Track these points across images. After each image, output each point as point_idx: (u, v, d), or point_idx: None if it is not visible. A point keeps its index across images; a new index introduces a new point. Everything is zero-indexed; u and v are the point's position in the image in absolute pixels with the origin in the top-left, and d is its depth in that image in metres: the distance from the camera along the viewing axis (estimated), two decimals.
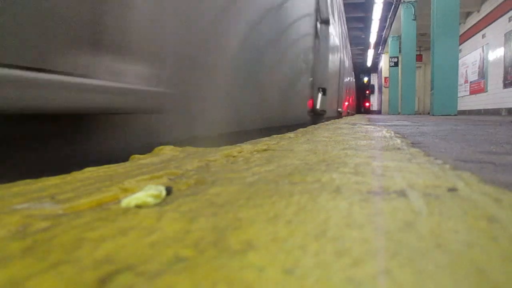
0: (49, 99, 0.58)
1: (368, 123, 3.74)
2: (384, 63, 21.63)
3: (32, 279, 0.26)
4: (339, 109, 7.79)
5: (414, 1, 13.75)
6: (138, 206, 0.45)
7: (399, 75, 16.88)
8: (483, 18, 12.08)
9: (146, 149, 0.95)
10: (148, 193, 0.48)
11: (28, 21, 0.58)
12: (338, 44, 6.92)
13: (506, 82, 10.31)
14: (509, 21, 10.16)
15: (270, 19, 2.01)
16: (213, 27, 1.30)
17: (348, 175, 0.67)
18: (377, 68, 26.84)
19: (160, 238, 0.34)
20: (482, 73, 12.18)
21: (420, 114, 16.72)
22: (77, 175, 0.63)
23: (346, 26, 10.98)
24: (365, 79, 32.61)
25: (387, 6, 15.40)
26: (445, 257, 0.30)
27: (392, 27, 17.04)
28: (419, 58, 17.78)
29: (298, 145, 1.24)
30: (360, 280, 0.26)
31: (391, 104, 18.41)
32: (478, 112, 12.37)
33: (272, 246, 0.32)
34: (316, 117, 4.04)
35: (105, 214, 0.41)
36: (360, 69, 29.86)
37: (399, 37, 16.96)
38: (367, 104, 33.28)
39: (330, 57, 4.91)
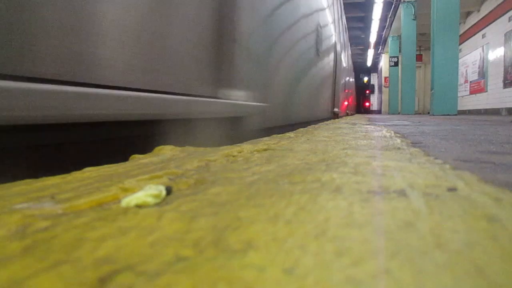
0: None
1: (368, 123, 3.74)
2: (384, 63, 21.63)
3: (32, 279, 0.26)
4: (335, 109, 6.68)
5: (414, 1, 13.75)
6: (138, 206, 0.45)
7: (399, 75, 16.88)
8: (483, 17, 12.08)
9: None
10: (148, 193, 0.48)
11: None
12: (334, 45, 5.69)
13: (506, 82, 10.31)
14: (509, 20, 10.16)
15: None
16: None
17: (348, 174, 0.67)
18: (377, 68, 26.84)
19: (160, 238, 0.34)
20: (482, 73, 12.18)
21: (420, 114, 16.72)
22: (77, 175, 0.63)
23: (346, 25, 10.86)
24: (365, 79, 32.60)
25: (387, 6, 15.40)
26: (445, 257, 0.30)
27: (392, 27, 17.03)
28: (419, 58, 17.77)
29: (298, 145, 1.24)
30: (360, 280, 0.26)
31: (391, 104, 18.41)
32: (478, 112, 12.37)
33: (272, 245, 0.32)
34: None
35: (105, 214, 0.41)
36: (360, 69, 29.84)
37: (399, 37, 16.96)
38: (367, 104, 33.27)
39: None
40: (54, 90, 0.67)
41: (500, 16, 10.69)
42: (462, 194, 0.52)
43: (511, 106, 9.98)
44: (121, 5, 0.91)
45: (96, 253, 0.30)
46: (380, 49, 22.45)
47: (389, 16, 16.09)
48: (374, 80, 29.97)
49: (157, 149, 0.97)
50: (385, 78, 21.20)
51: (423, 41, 17.34)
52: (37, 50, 0.70)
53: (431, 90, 9.91)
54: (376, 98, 28.21)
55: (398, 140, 1.46)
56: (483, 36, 12.09)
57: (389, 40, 18.76)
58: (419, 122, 4.07)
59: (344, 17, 9.73)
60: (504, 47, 10.40)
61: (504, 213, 0.42)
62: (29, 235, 0.34)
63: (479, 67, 12.50)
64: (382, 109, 22.47)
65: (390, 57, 18.90)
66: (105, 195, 0.48)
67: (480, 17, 12.31)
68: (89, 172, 0.66)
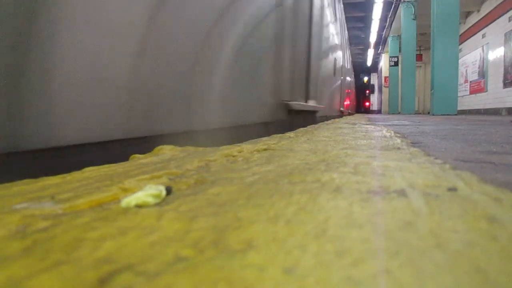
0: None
1: (368, 123, 3.74)
2: (384, 62, 21.63)
3: (32, 279, 0.26)
4: (341, 109, 7.70)
5: (414, 1, 13.74)
6: (138, 206, 0.45)
7: (399, 74, 16.87)
8: (483, 17, 12.07)
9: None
10: (148, 193, 0.48)
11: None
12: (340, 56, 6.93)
13: (506, 81, 10.31)
14: (509, 20, 10.16)
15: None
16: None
17: (348, 174, 0.67)
18: (377, 68, 26.83)
19: (160, 238, 0.34)
20: (482, 73, 12.17)
21: (420, 113, 16.72)
22: (77, 175, 0.63)
23: (346, 27, 10.93)
24: (365, 79, 32.62)
25: (387, 6, 15.39)
26: (445, 257, 0.30)
27: (392, 26, 17.03)
28: (419, 57, 17.77)
29: (298, 145, 1.24)
30: (360, 280, 0.26)
31: (391, 104, 18.40)
32: (478, 112, 12.36)
33: (272, 245, 0.32)
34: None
35: (105, 214, 0.41)
36: (360, 69, 29.84)
37: (399, 36, 16.95)
38: (367, 103, 33.30)
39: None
40: None
41: (500, 16, 10.68)
42: (462, 194, 0.52)
43: (511, 106, 9.98)
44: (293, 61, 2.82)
45: (96, 253, 0.30)
46: (380, 49, 22.44)
47: (389, 16, 16.08)
48: (374, 80, 29.97)
49: (157, 149, 0.97)
50: (385, 78, 21.19)
51: (423, 41, 17.33)
52: None
53: (431, 90, 9.90)
54: (376, 98, 28.21)
55: (398, 140, 1.46)
56: (483, 36, 12.08)
57: (389, 40, 18.75)
58: (419, 122, 4.07)
59: (346, 30, 10.21)
60: (504, 47, 10.40)
61: (504, 213, 0.42)
62: (29, 235, 0.34)
63: (479, 67, 12.50)
64: (382, 109, 22.47)
65: (390, 57, 18.90)
66: (105, 195, 0.48)
67: (480, 17, 12.30)
68: (89, 172, 0.66)
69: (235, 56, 1.56)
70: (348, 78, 11.44)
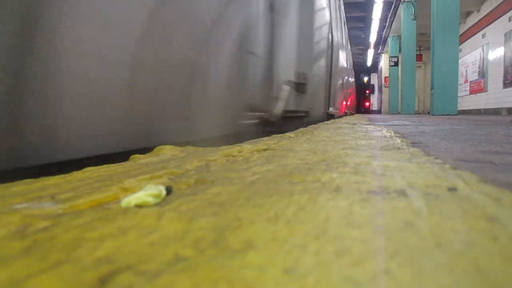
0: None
1: (368, 123, 3.74)
2: (384, 62, 21.62)
3: (32, 279, 0.26)
4: (331, 109, 5.74)
5: (414, 1, 13.75)
6: (138, 206, 0.45)
7: (399, 74, 16.87)
8: (483, 17, 12.07)
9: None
10: (148, 192, 0.48)
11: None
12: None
13: (506, 81, 10.31)
14: (509, 20, 10.16)
15: None
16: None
17: (348, 174, 0.67)
18: (377, 68, 26.82)
19: (160, 238, 0.34)
20: (482, 73, 12.17)
21: (420, 113, 16.71)
22: (77, 175, 0.63)
23: (346, 26, 10.98)
24: (365, 79, 32.62)
25: (387, 6, 15.39)
26: (445, 257, 0.30)
27: (392, 26, 17.02)
28: (419, 58, 17.76)
29: (298, 145, 1.24)
30: (360, 280, 0.26)
31: (391, 104, 18.40)
32: (478, 112, 12.36)
33: (272, 245, 0.32)
34: None
35: (105, 213, 0.41)
36: (360, 69, 29.84)
37: (399, 36, 16.94)
38: (367, 103, 33.29)
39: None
40: None
41: (500, 16, 10.68)
42: (462, 194, 0.52)
43: (511, 106, 9.98)
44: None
45: (96, 253, 0.30)
46: (380, 49, 22.43)
47: (389, 16, 16.07)
48: (374, 80, 29.96)
49: (157, 149, 0.97)
50: (385, 78, 21.18)
51: (423, 41, 17.32)
52: None
53: (431, 90, 9.90)
54: (376, 98, 28.20)
55: (398, 140, 1.46)
56: (483, 36, 12.08)
57: (389, 40, 18.75)
58: (419, 122, 4.07)
59: (343, 11, 9.97)
60: (504, 47, 10.40)
61: (504, 213, 0.42)
62: (29, 235, 0.34)
63: (479, 67, 12.50)
64: (382, 109, 22.46)
65: (390, 57, 18.90)
66: (105, 195, 0.48)
67: (480, 17, 12.30)
68: (89, 172, 0.66)
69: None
70: (348, 77, 11.58)
